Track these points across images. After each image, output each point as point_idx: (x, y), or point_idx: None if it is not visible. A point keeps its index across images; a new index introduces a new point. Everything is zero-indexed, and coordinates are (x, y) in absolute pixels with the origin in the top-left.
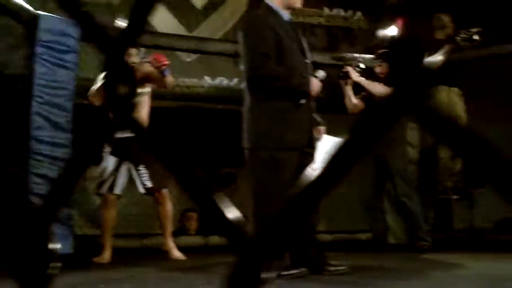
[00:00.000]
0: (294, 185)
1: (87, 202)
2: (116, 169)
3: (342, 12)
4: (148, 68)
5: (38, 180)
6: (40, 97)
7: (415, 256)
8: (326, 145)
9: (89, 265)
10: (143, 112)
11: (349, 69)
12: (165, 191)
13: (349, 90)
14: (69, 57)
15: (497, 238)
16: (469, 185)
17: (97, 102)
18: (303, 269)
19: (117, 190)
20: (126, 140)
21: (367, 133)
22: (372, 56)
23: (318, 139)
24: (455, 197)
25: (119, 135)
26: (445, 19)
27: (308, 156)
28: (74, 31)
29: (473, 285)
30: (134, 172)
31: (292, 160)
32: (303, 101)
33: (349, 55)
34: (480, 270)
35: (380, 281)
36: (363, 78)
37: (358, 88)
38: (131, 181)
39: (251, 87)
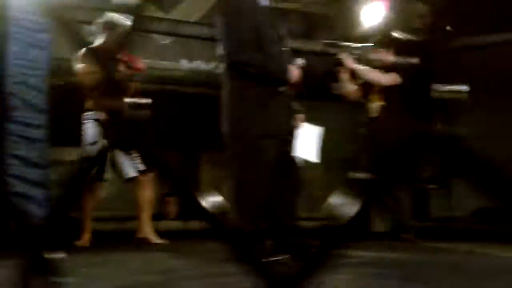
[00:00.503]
0: (274, 173)
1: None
2: (103, 153)
3: None
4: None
5: (14, 161)
6: (14, 77)
7: (395, 245)
8: (305, 132)
9: (68, 249)
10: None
11: (344, 56)
12: (150, 175)
13: (345, 77)
14: (42, 36)
15: (473, 228)
16: (447, 175)
17: (86, 81)
18: (285, 256)
19: (106, 175)
20: (108, 121)
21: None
22: (367, 44)
23: (297, 127)
24: (432, 186)
25: (102, 117)
26: (424, 8)
27: (288, 144)
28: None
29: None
30: (120, 157)
31: (272, 147)
32: (282, 88)
33: (343, 42)
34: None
35: (363, 268)
36: (360, 65)
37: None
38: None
39: (231, 73)
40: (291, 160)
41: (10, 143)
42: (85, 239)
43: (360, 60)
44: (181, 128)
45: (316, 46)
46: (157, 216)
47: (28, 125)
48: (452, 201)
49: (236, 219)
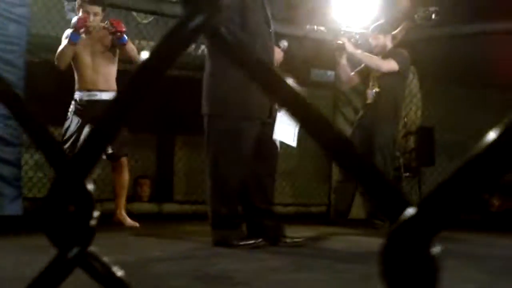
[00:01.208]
0: (252, 155)
1: (39, 162)
2: (79, 130)
3: None
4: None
5: None
6: None
7: (369, 233)
8: (285, 115)
9: (37, 230)
10: (111, 71)
11: (344, 40)
12: (124, 159)
13: (344, 63)
14: (20, 10)
15: None
16: (420, 163)
17: (63, 65)
18: (259, 240)
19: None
20: (90, 103)
21: None
22: (365, 30)
23: (277, 110)
24: (406, 174)
25: (84, 96)
26: None
27: (267, 126)
28: None
29: None
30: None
31: (252, 129)
32: None
33: (344, 27)
34: None
35: (331, 257)
36: (359, 51)
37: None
38: None
39: (210, 52)
40: (270, 144)
41: None
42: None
43: (358, 45)
44: (158, 111)
45: (297, 31)
46: (130, 198)
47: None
48: (422, 189)
49: (213, 202)
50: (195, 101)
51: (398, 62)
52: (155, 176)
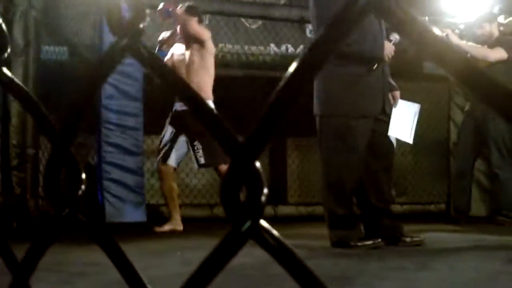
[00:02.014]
0: (367, 152)
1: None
2: (173, 140)
3: None
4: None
5: (109, 148)
6: None
7: (495, 229)
8: (401, 110)
9: (162, 234)
10: (199, 76)
11: (448, 31)
12: (223, 166)
13: None
14: None
15: None
16: None
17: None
18: (378, 240)
19: (171, 161)
20: (183, 113)
21: None
22: (471, 19)
23: (393, 104)
24: None
25: (178, 107)
26: None
27: (381, 123)
28: None
29: None
30: (189, 147)
31: (365, 127)
32: (375, 66)
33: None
34: None
35: (453, 256)
36: (464, 41)
37: None
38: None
39: None
40: (385, 141)
41: (106, 131)
42: (175, 225)
43: (463, 36)
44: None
45: None
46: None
47: (122, 113)
48: None
49: (329, 202)
50: (305, 102)
51: (507, 50)
52: (269, 179)
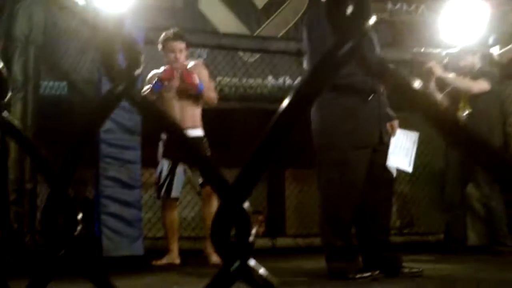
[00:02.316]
0: (366, 183)
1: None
2: (171, 171)
3: (405, 7)
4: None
5: (107, 182)
6: None
7: (492, 260)
8: (400, 139)
9: (159, 268)
10: (194, 107)
11: (433, 64)
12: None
13: (432, 86)
14: None
15: None
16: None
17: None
18: (376, 271)
19: (174, 193)
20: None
21: None
22: (455, 50)
23: (391, 134)
24: None
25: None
26: None
27: (380, 153)
28: (139, 35)
29: None
30: (189, 172)
31: (362, 158)
32: (371, 96)
33: (432, 50)
34: None
35: (453, 281)
36: (448, 74)
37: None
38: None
39: None
40: (384, 171)
41: (104, 164)
42: (173, 257)
43: (447, 67)
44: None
45: (404, 54)
46: None
47: (121, 147)
48: None
49: (327, 234)
50: (303, 134)
51: (489, 82)
52: (267, 211)
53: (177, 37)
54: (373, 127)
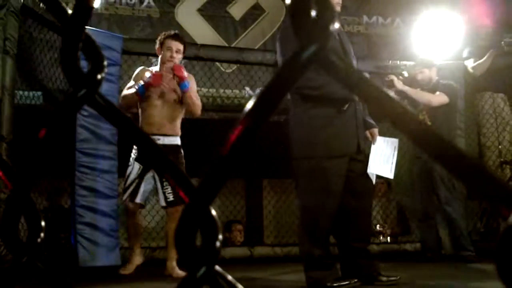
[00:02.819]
0: (345, 192)
1: None
2: (141, 176)
3: (381, 20)
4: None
5: (83, 192)
6: (85, 110)
7: (463, 267)
8: (380, 146)
9: (133, 276)
10: (176, 112)
11: (393, 77)
12: (181, 207)
13: None
14: (112, 70)
15: None
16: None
17: (125, 107)
18: (354, 280)
19: (138, 199)
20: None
21: None
22: (413, 63)
23: (371, 142)
24: None
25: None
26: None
27: (358, 163)
28: (117, 44)
29: None
30: (158, 183)
31: (339, 167)
32: (346, 106)
33: (392, 63)
34: None
35: None
36: (408, 87)
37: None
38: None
39: (293, 96)
40: (363, 180)
41: (80, 174)
42: (130, 267)
43: (405, 80)
44: (246, 156)
45: (369, 67)
46: (223, 243)
47: (97, 156)
48: None
49: (305, 243)
50: (280, 145)
51: (448, 95)
52: (245, 220)
53: (177, 37)
54: (350, 136)
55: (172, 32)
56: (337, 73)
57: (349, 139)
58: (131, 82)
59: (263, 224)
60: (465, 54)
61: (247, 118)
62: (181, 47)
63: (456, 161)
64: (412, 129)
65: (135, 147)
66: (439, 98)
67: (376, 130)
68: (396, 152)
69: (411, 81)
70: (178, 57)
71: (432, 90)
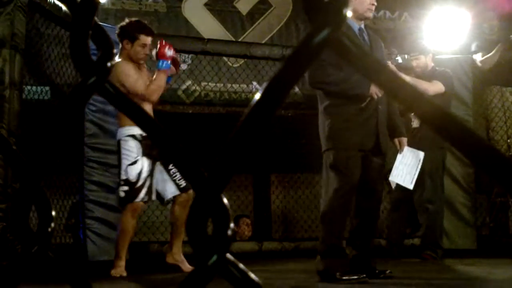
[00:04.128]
0: (358, 185)
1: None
2: (151, 172)
3: (388, 14)
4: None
5: (92, 187)
6: (93, 104)
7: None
8: (405, 157)
9: (142, 269)
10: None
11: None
12: (191, 191)
13: None
14: None
15: None
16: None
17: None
18: (363, 275)
19: (154, 196)
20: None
21: None
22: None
23: (399, 151)
24: None
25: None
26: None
27: (375, 164)
28: None
29: None
30: (165, 174)
31: (356, 160)
32: (364, 103)
33: (401, 57)
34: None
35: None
36: (403, 74)
37: None
38: None
39: (317, 92)
40: (377, 183)
41: (89, 169)
42: (122, 265)
43: (400, 68)
44: (253, 151)
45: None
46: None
47: (105, 151)
48: None
49: (322, 231)
50: (288, 140)
51: (444, 83)
52: (253, 215)
53: (151, 31)
54: (368, 133)
55: (145, 25)
56: (350, 57)
57: (367, 136)
58: (133, 76)
59: (271, 219)
60: (473, 48)
61: (259, 102)
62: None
63: (474, 148)
64: (429, 114)
65: (132, 138)
66: (435, 87)
67: (404, 140)
68: (420, 165)
69: (406, 69)
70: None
71: (428, 78)
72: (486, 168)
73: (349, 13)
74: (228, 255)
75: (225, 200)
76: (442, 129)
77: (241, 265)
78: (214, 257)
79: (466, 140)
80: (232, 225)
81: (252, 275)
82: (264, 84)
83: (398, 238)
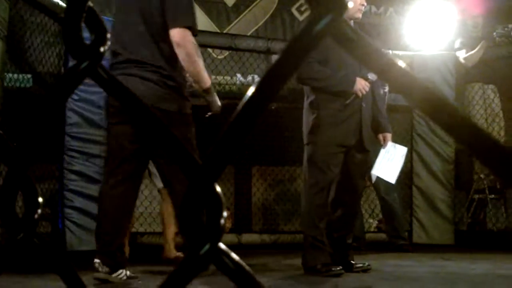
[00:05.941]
0: (339, 180)
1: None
2: None
3: (374, 9)
4: None
5: (72, 176)
6: (75, 93)
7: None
8: (389, 152)
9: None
10: None
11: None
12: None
13: None
14: None
15: None
16: (505, 184)
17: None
18: (339, 267)
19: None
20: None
21: None
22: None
23: (382, 146)
24: (491, 196)
25: None
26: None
27: (358, 160)
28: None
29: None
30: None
31: (337, 156)
32: (348, 100)
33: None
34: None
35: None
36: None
37: None
38: None
39: (304, 88)
40: (357, 178)
41: (69, 158)
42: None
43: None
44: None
45: None
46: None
47: (87, 140)
48: (509, 211)
49: (303, 224)
50: (269, 133)
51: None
52: (233, 208)
53: None
54: (351, 129)
55: None
56: (351, 46)
57: (349, 132)
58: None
59: (252, 211)
60: (457, 45)
61: (256, 90)
62: None
63: (479, 144)
64: (427, 104)
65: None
66: None
67: (389, 135)
68: (403, 160)
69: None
70: None
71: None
72: (478, 152)
73: (350, 4)
74: (221, 245)
75: (219, 189)
76: (436, 116)
77: (234, 255)
78: (207, 246)
79: (458, 125)
80: (225, 213)
81: (245, 265)
82: (264, 72)
83: (360, 232)
